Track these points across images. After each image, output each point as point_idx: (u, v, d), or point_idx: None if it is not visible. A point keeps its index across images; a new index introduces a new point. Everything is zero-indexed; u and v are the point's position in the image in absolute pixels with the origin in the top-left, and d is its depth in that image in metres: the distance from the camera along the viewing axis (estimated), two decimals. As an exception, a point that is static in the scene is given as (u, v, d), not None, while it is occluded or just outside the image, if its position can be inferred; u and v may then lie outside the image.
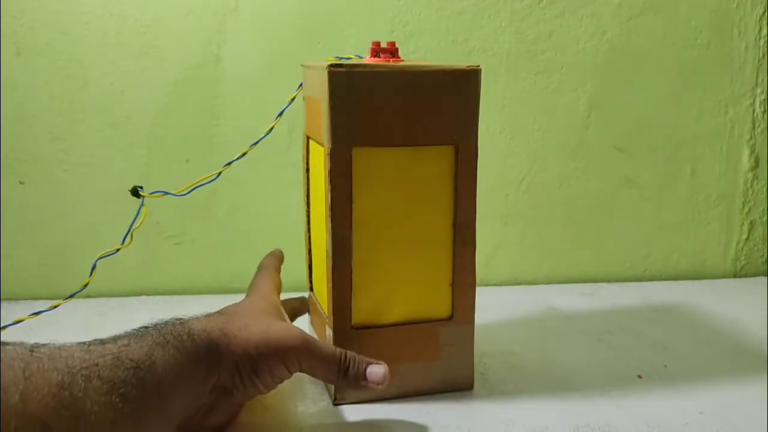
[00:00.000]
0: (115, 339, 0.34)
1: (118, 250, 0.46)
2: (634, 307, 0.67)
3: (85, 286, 0.46)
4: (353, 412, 0.45)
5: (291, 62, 0.70)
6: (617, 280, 0.77)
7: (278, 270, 0.51)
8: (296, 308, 0.54)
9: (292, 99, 0.50)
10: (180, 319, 0.38)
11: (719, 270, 0.79)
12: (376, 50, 0.46)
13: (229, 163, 0.50)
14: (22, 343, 0.30)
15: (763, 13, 0.74)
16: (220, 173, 0.48)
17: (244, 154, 0.49)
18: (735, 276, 0.79)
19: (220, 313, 0.41)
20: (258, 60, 0.69)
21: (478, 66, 0.44)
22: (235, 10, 0.68)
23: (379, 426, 0.44)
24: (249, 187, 0.71)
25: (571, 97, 0.73)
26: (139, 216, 0.46)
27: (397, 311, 0.46)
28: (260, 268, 0.50)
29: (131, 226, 0.46)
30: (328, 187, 0.43)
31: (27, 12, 0.65)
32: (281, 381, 0.40)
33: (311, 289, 0.54)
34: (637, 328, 0.61)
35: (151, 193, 0.47)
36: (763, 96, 0.76)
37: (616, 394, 0.48)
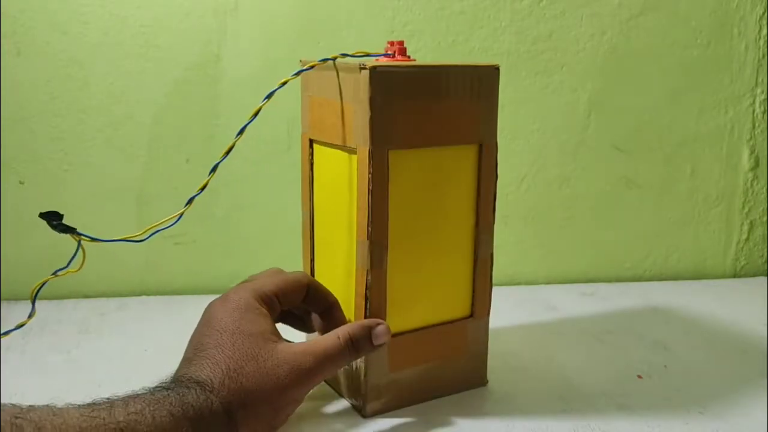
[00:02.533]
0: (125, 402, 0.31)
1: (45, 282, 0.41)
2: (634, 307, 0.67)
3: (21, 326, 0.42)
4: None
5: (291, 62, 0.70)
6: (617, 280, 0.77)
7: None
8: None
9: (284, 83, 0.47)
10: (198, 381, 0.35)
11: (719, 270, 0.79)
12: (395, 50, 0.45)
13: (214, 168, 0.47)
14: (13, 406, 0.28)
15: (763, 13, 0.74)
16: (181, 214, 0.45)
17: (229, 150, 0.47)
18: (735, 276, 0.79)
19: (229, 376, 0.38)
20: (258, 60, 0.69)
21: (498, 65, 0.45)
22: (235, 10, 0.68)
23: (373, 428, 0.44)
24: (249, 187, 0.71)
25: (571, 97, 0.73)
26: (76, 257, 0.41)
27: (424, 313, 0.46)
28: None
29: (70, 261, 0.42)
30: (366, 192, 0.41)
31: (27, 12, 0.65)
32: (288, 414, 0.40)
33: None
34: (637, 328, 0.61)
35: (91, 238, 0.42)
36: (763, 96, 0.76)
37: (616, 394, 0.48)
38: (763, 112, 0.76)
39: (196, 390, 0.34)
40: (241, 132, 0.45)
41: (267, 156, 0.70)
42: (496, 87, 0.45)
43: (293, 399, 0.39)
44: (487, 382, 0.49)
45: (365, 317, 0.43)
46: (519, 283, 0.76)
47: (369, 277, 0.42)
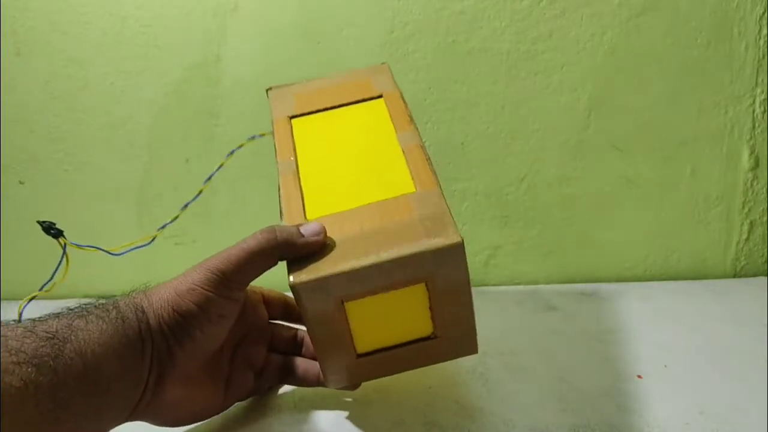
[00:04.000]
0: (32, 318, 0.33)
1: (33, 297, 0.42)
2: (634, 307, 0.67)
3: None
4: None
5: (291, 62, 0.70)
6: (617, 280, 0.77)
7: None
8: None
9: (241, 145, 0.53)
10: (106, 297, 0.37)
11: (719, 270, 0.79)
12: None
13: (186, 206, 0.49)
14: None
15: (763, 13, 0.74)
16: (154, 238, 0.46)
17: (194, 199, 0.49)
18: (735, 276, 0.79)
19: (147, 286, 0.39)
20: (258, 60, 0.69)
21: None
22: (235, 10, 0.68)
23: (375, 427, 0.44)
24: (249, 187, 0.71)
25: (571, 97, 0.73)
26: (62, 266, 0.41)
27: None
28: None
29: (53, 273, 0.42)
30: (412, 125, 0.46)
31: (27, 12, 0.65)
32: (224, 318, 0.38)
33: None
34: (637, 328, 0.61)
35: (79, 246, 0.43)
36: (763, 96, 0.76)
37: (616, 394, 0.48)
38: (763, 112, 0.76)
39: (99, 299, 0.36)
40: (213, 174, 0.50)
41: (267, 156, 0.70)
42: None
43: (209, 302, 0.37)
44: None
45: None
46: (519, 283, 0.76)
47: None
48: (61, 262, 0.41)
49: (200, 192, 0.49)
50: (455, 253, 0.37)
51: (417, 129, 0.46)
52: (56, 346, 0.31)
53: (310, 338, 0.39)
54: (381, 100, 0.49)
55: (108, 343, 0.33)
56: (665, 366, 0.53)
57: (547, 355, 0.55)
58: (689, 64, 0.74)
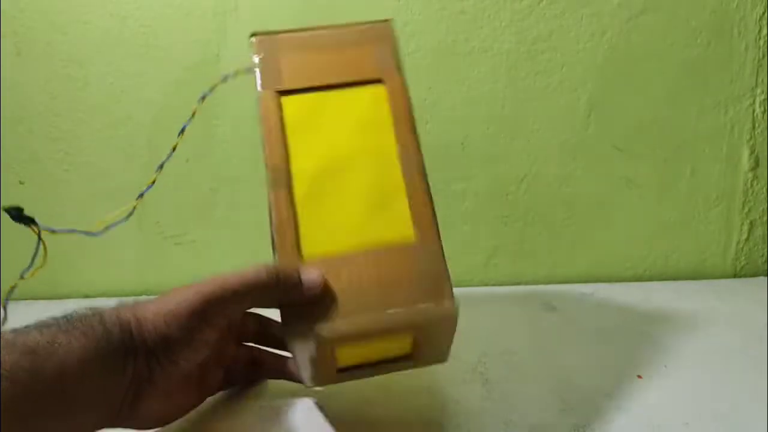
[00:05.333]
0: (16, 329, 0.33)
1: (14, 287, 0.41)
2: (634, 307, 0.67)
3: None
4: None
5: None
6: (617, 280, 0.77)
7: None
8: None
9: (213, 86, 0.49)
10: (93, 308, 0.36)
11: (719, 270, 0.79)
12: None
13: (161, 166, 0.48)
14: None
15: (763, 13, 0.74)
16: (134, 208, 0.46)
17: (174, 148, 0.48)
18: (735, 276, 0.79)
19: (136, 301, 0.39)
20: (258, 60, 0.69)
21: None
22: (235, 10, 0.68)
23: (375, 427, 0.44)
24: (249, 187, 0.71)
25: (571, 97, 0.73)
26: (40, 253, 0.41)
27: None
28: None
29: (31, 260, 0.42)
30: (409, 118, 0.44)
31: (27, 12, 0.65)
32: (209, 343, 0.37)
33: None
34: (637, 328, 0.61)
35: (53, 230, 0.42)
36: (763, 96, 0.76)
37: (616, 394, 0.48)
38: (763, 112, 0.76)
39: (86, 311, 0.36)
40: (181, 132, 0.48)
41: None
42: None
43: (198, 321, 0.36)
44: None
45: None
46: (519, 283, 0.76)
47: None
48: (38, 249, 0.41)
49: (173, 149, 0.48)
50: (448, 320, 0.39)
51: (417, 138, 0.44)
52: (36, 362, 0.30)
53: (293, 358, 0.40)
54: (382, 88, 0.45)
55: (90, 361, 0.33)
56: (665, 366, 0.53)
57: (547, 355, 0.55)
58: (689, 64, 0.74)
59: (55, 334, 0.32)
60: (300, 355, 0.41)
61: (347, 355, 0.40)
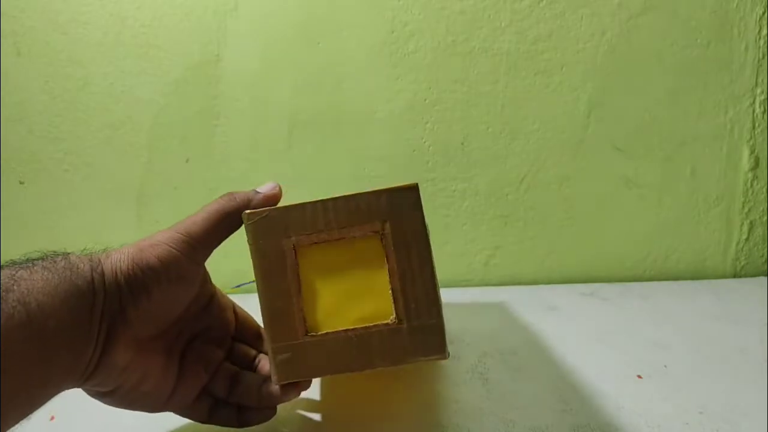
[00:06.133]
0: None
1: None
2: (634, 307, 0.67)
3: None
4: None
5: (291, 62, 0.70)
6: (617, 280, 0.77)
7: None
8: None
9: None
10: (58, 251, 0.35)
11: (719, 270, 0.79)
12: None
13: None
14: None
15: (763, 13, 0.74)
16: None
17: None
18: (735, 276, 0.79)
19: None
20: (258, 60, 0.69)
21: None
22: (235, 10, 0.68)
23: (375, 427, 0.44)
24: (249, 187, 0.71)
25: (571, 97, 0.73)
26: None
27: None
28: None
29: None
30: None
31: (27, 12, 0.65)
32: (185, 276, 0.37)
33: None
34: (637, 328, 0.61)
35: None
36: (763, 96, 0.76)
37: (616, 394, 0.48)
38: (763, 112, 0.76)
39: (49, 252, 0.35)
40: None
41: (267, 156, 0.70)
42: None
43: (171, 258, 0.36)
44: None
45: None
46: (519, 283, 0.76)
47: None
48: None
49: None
50: (411, 194, 0.37)
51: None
52: None
53: (259, 294, 0.38)
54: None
55: (54, 293, 0.32)
56: (665, 366, 0.53)
57: (547, 355, 0.55)
58: (689, 64, 0.74)
59: (16, 269, 0.32)
60: (265, 279, 0.39)
61: (313, 297, 0.37)
